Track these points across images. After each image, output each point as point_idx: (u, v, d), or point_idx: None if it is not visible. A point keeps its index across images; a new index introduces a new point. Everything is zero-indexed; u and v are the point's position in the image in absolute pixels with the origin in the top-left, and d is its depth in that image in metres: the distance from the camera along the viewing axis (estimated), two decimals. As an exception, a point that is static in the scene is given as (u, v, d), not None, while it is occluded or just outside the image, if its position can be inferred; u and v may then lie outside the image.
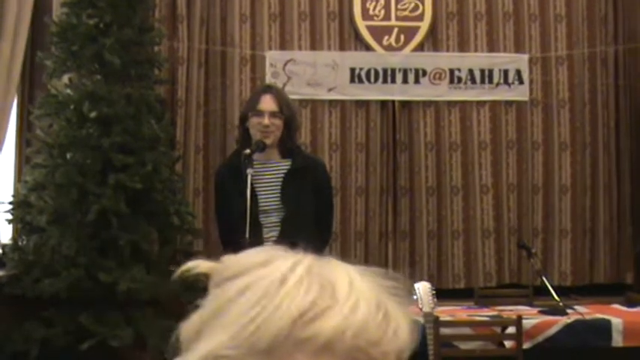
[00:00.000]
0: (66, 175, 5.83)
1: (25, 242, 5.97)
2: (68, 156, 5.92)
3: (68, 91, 6.07)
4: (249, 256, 1.09)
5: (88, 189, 5.84)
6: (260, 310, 0.97)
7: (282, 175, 4.84)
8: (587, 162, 7.98)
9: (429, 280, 5.67)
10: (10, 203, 6.06)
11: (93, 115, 5.90)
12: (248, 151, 4.63)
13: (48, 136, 6.02)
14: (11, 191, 6.39)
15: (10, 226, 6.17)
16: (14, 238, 6.16)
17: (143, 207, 6.03)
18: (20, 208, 6.01)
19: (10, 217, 6.05)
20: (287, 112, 4.90)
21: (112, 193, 5.80)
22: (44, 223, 5.85)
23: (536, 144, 7.95)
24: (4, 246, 6.14)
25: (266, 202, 4.79)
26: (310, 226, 4.85)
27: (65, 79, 6.14)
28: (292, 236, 4.68)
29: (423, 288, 5.26)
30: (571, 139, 7.96)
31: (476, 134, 7.89)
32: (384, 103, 7.88)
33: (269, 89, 5.12)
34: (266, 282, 1.01)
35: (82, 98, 5.95)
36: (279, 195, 4.80)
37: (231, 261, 1.11)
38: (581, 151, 7.97)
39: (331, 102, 7.85)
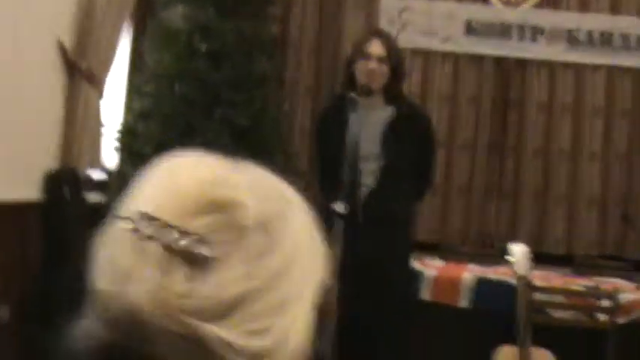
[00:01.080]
0: (172, 106, 5.85)
1: (129, 170, 6.03)
2: (176, 87, 5.93)
3: (180, 22, 6.06)
4: None
5: (194, 122, 5.85)
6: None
7: (386, 122, 4.76)
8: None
9: (529, 243, 5.53)
10: (118, 131, 6.12)
11: (203, 48, 5.89)
12: (353, 94, 4.57)
13: (157, 66, 6.04)
14: (119, 120, 6.46)
15: (116, 154, 6.24)
16: (119, 165, 6.22)
17: (248, 144, 6.03)
18: (126, 135, 6.07)
19: (116, 144, 6.12)
20: (395, 58, 4.82)
21: (217, 128, 5.81)
22: (149, 152, 5.89)
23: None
24: (108, 172, 6.22)
25: (367, 148, 4.73)
26: (408, 176, 4.79)
27: (178, 10, 6.13)
28: (389, 185, 4.67)
29: (519, 250, 5.17)
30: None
31: (590, 98, 7.67)
32: (498, 59, 7.72)
33: (378, 34, 5.04)
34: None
35: (193, 30, 5.94)
36: (380, 142, 4.74)
37: None
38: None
39: (444, 54, 7.72)
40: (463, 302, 5.37)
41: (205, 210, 0.92)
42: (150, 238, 0.90)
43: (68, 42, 6.00)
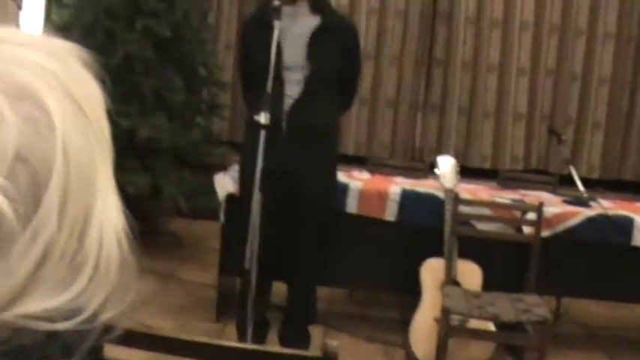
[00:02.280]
0: (93, 17, 5.71)
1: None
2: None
3: None
4: None
5: (115, 33, 5.72)
6: None
7: (311, 31, 4.67)
8: (631, 55, 7.73)
9: (456, 157, 5.53)
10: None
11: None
12: (277, 2, 4.46)
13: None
14: (40, 32, 6.27)
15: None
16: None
17: (170, 55, 5.92)
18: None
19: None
20: (319, -36, 4.71)
21: (139, 38, 5.68)
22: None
23: (580, 31, 7.70)
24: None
25: (291, 57, 4.64)
26: (333, 87, 4.71)
27: None
28: (313, 95, 4.60)
29: (447, 163, 5.16)
30: (617, 30, 7.70)
31: (519, 13, 7.64)
32: (426, -27, 7.65)
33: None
34: None
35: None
36: (305, 51, 4.65)
37: None
38: (626, 42, 7.72)
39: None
40: (389, 215, 5.34)
41: None
42: None
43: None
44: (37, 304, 0.70)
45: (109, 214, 0.75)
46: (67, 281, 0.72)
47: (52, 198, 0.70)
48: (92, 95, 0.78)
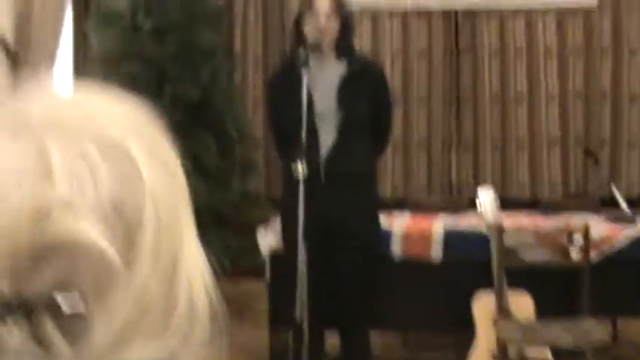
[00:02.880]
0: (120, 87, 5.76)
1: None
2: (122, 67, 5.85)
3: (122, 1, 5.98)
4: None
5: (144, 101, 5.77)
6: None
7: (339, 77, 4.70)
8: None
9: (493, 189, 5.51)
10: (67, 116, 6.02)
11: (147, 25, 5.83)
12: (304, 51, 4.51)
13: (102, 48, 5.96)
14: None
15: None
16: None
17: (201, 118, 5.97)
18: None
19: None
20: (343, 12, 4.77)
21: (168, 105, 5.74)
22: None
23: (605, 50, 7.68)
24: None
25: (322, 105, 4.67)
26: (367, 131, 4.74)
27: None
28: (348, 141, 4.62)
29: (487, 196, 5.15)
30: (640, 45, 7.69)
31: (541, 41, 7.64)
32: (446, 13, 7.67)
33: (324, -11, 4.97)
34: None
35: (136, 8, 5.88)
36: (335, 98, 4.68)
37: None
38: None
39: (392, 12, 7.66)
40: (435, 255, 5.34)
41: (42, 259, 0.66)
42: None
43: (9, 34, 5.87)
44: (135, 353, 0.70)
45: (195, 263, 0.77)
46: (160, 330, 0.72)
47: (144, 246, 0.70)
48: (171, 151, 0.80)
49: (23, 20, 5.91)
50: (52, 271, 0.66)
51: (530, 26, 7.67)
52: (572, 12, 7.66)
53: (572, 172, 7.64)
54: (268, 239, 5.36)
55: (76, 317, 0.67)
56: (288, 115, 4.58)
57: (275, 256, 5.24)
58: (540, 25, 7.66)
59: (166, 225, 0.73)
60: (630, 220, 5.47)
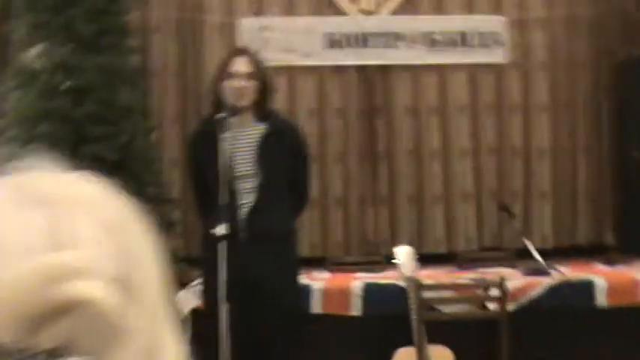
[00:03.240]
0: (39, 148, 5.73)
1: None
2: (41, 128, 5.82)
3: (39, 62, 5.95)
4: None
5: (61, 162, 5.74)
6: None
7: (258, 139, 4.75)
8: (566, 123, 7.91)
9: (410, 245, 5.59)
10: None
11: (65, 86, 5.81)
12: (223, 114, 4.55)
13: (19, 109, 5.92)
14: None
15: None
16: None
17: (119, 178, 5.92)
18: (-7, 182, 5.91)
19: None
20: (261, 73, 4.81)
21: (85, 165, 5.69)
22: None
23: (515, 107, 7.88)
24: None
25: (241, 167, 4.71)
26: (286, 191, 4.78)
27: (35, 50, 6.02)
28: (267, 202, 4.66)
29: (404, 252, 5.22)
30: (550, 101, 7.89)
31: (454, 97, 7.81)
32: (360, 68, 7.79)
33: (241, 51, 5.03)
34: None
35: (53, 69, 5.86)
36: (254, 159, 4.72)
37: None
38: (561, 113, 7.91)
39: (307, 68, 7.76)
40: (354, 310, 5.38)
41: (50, 318, 0.69)
42: None
43: None
44: None
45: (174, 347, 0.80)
46: None
47: (144, 308, 0.76)
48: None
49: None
50: (57, 330, 0.68)
51: (442, 83, 7.83)
52: (484, 68, 7.85)
53: (487, 226, 7.77)
54: (188, 299, 5.35)
55: None
56: (207, 175, 4.61)
57: (195, 315, 5.23)
58: (453, 82, 7.82)
59: (155, 301, 0.79)
60: (545, 272, 5.59)
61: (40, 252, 0.71)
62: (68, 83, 5.78)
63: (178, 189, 7.34)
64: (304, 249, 7.26)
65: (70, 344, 0.69)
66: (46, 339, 0.68)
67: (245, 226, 4.64)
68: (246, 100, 4.73)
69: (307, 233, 7.48)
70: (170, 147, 7.56)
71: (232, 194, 4.60)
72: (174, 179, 7.39)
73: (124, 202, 0.84)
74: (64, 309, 0.69)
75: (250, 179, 4.72)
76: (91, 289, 0.70)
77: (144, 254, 0.79)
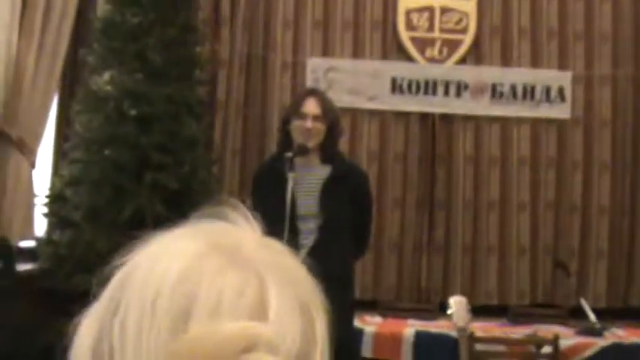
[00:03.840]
0: (102, 171, 5.81)
1: (58, 237, 5.95)
2: (105, 152, 5.90)
3: (109, 87, 6.03)
4: None
5: (124, 187, 5.81)
6: None
7: (323, 181, 4.77)
8: (627, 182, 7.86)
9: (462, 294, 5.56)
10: (47, 197, 6.06)
11: (132, 113, 5.89)
12: (290, 153, 4.58)
13: (86, 132, 6.00)
14: (48, 185, 6.38)
15: (45, 220, 6.15)
16: (48, 232, 6.13)
17: (179, 208, 6.00)
18: (56, 202, 6.01)
19: (45, 210, 6.05)
20: (330, 116, 4.84)
21: (148, 192, 5.77)
22: (78, 218, 5.83)
23: (576, 163, 7.84)
24: (37, 239, 6.14)
25: (304, 207, 4.73)
26: (347, 234, 4.79)
27: (106, 76, 6.11)
28: (327, 244, 4.67)
29: (458, 302, 5.19)
30: (612, 159, 7.85)
31: (515, 150, 7.80)
32: (424, 115, 7.82)
33: (313, 92, 5.06)
34: None
35: (122, 95, 5.94)
36: (317, 201, 4.74)
37: None
38: (622, 171, 7.86)
39: (371, 112, 7.80)
40: (405, 357, 5.37)
41: None
42: None
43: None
44: None
45: None
46: None
47: None
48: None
49: (13, 99, 5.97)
50: None
51: (505, 135, 7.82)
52: (547, 122, 7.83)
53: (541, 281, 7.72)
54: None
55: None
56: (270, 214, 4.63)
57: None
58: (515, 134, 7.82)
59: None
60: (598, 332, 5.54)
61: (245, 317, 0.76)
62: (134, 111, 5.86)
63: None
64: (356, 291, 7.28)
65: None
66: None
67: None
68: (314, 141, 4.76)
69: (360, 276, 7.48)
70: (229, 180, 7.63)
71: (294, 234, 4.62)
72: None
73: (314, 282, 0.91)
74: None
75: (312, 220, 4.74)
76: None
77: (323, 336, 0.84)
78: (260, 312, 0.77)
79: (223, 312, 0.76)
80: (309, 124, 4.74)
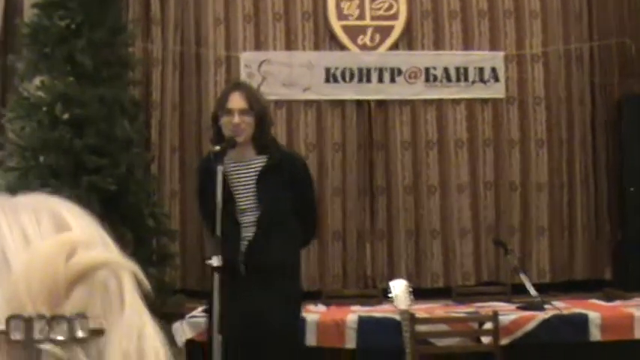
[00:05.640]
0: (39, 178, 5.78)
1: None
2: (41, 159, 5.87)
3: (40, 93, 6.01)
4: None
5: (62, 191, 5.77)
6: None
7: (258, 171, 4.78)
8: (564, 158, 7.96)
9: (407, 279, 5.61)
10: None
11: (65, 116, 5.86)
12: (217, 147, 4.58)
13: (20, 139, 5.97)
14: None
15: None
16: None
17: (117, 209, 5.99)
18: (-8, 211, 5.96)
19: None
20: (257, 107, 4.83)
21: (85, 195, 5.75)
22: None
23: (513, 141, 7.93)
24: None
25: (243, 201, 4.74)
26: (290, 223, 4.81)
27: (37, 81, 6.08)
28: (268, 234, 4.69)
29: (399, 286, 5.24)
30: (547, 136, 7.95)
31: (452, 132, 7.87)
32: (359, 103, 7.86)
33: (237, 87, 5.05)
34: None
35: (54, 100, 5.91)
36: (254, 193, 4.75)
37: None
38: (558, 147, 7.96)
39: (307, 102, 7.83)
40: (349, 343, 5.40)
41: (71, 287, 0.78)
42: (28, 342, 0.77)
43: None
44: None
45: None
46: None
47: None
48: None
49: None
50: (76, 298, 0.78)
51: (440, 117, 7.88)
52: (482, 103, 7.91)
53: (485, 261, 7.80)
54: (184, 330, 5.38)
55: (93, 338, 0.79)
56: (211, 209, 4.63)
57: (190, 346, 5.26)
58: (451, 116, 7.88)
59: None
60: (539, 306, 5.62)
61: (51, 235, 0.83)
62: (68, 114, 5.83)
63: (177, 221, 7.40)
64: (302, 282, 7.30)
65: (85, 311, 0.79)
66: (69, 308, 0.77)
67: (245, 259, 4.67)
68: (244, 135, 4.76)
69: (305, 267, 7.49)
70: (170, 179, 7.61)
71: (236, 227, 4.64)
72: (175, 211, 7.44)
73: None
74: (82, 276, 0.79)
75: (251, 212, 4.76)
76: (101, 254, 0.83)
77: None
78: (62, 227, 0.85)
79: (32, 240, 0.83)
80: (236, 119, 4.74)
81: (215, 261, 4.31)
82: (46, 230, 0.84)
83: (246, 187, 4.78)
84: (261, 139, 4.87)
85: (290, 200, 4.83)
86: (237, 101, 4.79)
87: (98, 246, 0.85)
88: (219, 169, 4.46)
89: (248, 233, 4.74)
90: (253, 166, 4.82)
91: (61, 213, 0.88)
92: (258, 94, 5.10)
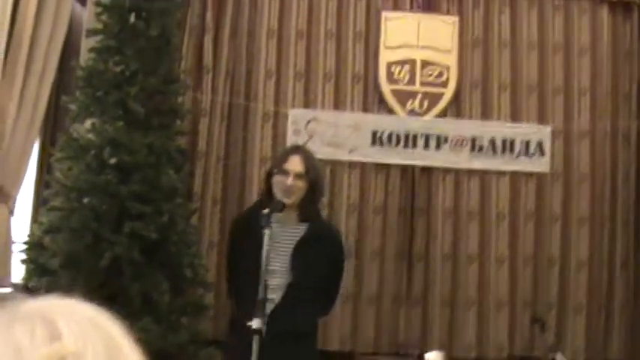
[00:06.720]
0: (81, 220, 5.80)
1: (36, 283, 5.93)
2: (85, 200, 5.89)
3: (90, 135, 6.05)
4: None
5: (103, 235, 5.80)
6: None
7: (296, 240, 4.79)
8: (606, 237, 7.90)
9: (440, 347, 5.57)
10: (25, 244, 6.04)
11: (113, 161, 5.89)
12: (267, 210, 4.59)
13: (67, 180, 6.00)
14: (27, 232, 6.36)
15: (23, 267, 6.13)
16: (26, 279, 6.11)
17: (157, 257, 5.99)
18: (34, 249, 5.99)
19: (23, 257, 6.03)
20: (313, 175, 4.86)
21: (126, 241, 5.76)
22: (56, 266, 5.82)
23: (555, 217, 7.88)
24: (15, 286, 6.11)
25: (276, 264, 4.74)
26: (314, 291, 4.81)
27: (88, 123, 6.13)
28: (295, 301, 4.68)
29: (435, 357, 5.20)
30: (590, 213, 7.90)
31: (494, 204, 7.83)
32: (404, 168, 7.85)
33: (298, 150, 5.09)
34: None
35: (103, 144, 5.95)
36: (289, 259, 4.75)
37: None
38: (600, 225, 7.90)
39: (351, 163, 7.83)
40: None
41: None
42: None
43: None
44: None
45: None
46: None
47: None
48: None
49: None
50: None
51: (484, 188, 7.86)
52: (526, 176, 7.88)
53: (519, 335, 7.72)
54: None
55: None
56: (243, 267, 4.64)
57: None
58: (494, 188, 7.85)
59: None
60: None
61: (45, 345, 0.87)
62: (115, 159, 5.87)
63: (214, 272, 7.38)
64: (333, 342, 7.27)
65: None
66: None
67: (268, 322, 4.67)
68: (293, 198, 4.78)
69: (338, 327, 7.47)
70: (209, 230, 7.62)
71: (263, 289, 4.65)
72: (211, 263, 7.43)
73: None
74: None
75: (282, 276, 4.76)
76: None
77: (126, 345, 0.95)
78: (55, 337, 0.90)
79: (24, 353, 0.88)
80: (289, 181, 4.77)
81: (255, 323, 4.30)
82: (40, 341, 0.89)
83: (282, 252, 4.78)
84: (308, 207, 4.88)
85: (321, 274, 4.84)
86: (295, 164, 4.82)
87: (88, 356, 0.89)
88: (267, 232, 4.46)
89: (273, 295, 4.73)
90: (293, 233, 4.83)
91: (56, 322, 0.91)
92: (317, 163, 5.13)
